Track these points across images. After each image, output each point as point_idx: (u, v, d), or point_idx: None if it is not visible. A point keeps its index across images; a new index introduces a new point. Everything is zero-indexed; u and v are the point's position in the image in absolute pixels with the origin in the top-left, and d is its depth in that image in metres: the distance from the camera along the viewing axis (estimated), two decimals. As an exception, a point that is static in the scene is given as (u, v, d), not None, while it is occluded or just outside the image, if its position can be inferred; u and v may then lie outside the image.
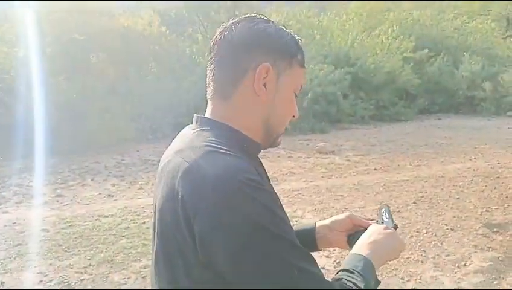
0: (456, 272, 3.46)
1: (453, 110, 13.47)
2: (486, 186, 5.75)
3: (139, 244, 3.94)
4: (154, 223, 0.85)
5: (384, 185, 5.83)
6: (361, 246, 0.91)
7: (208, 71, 0.88)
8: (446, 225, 4.41)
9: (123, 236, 4.17)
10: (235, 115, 0.85)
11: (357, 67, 11.93)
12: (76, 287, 3.26)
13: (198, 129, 0.85)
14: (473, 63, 13.76)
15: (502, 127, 10.71)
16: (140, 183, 6.04)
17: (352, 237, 1.04)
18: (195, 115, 0.90)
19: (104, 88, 8.92)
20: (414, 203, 5.09)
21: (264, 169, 0.93)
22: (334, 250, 3.71)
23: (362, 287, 0.79)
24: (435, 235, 4.16)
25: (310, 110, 10.26)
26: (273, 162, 7.12)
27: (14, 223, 4.59)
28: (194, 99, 8.49)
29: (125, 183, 6.08)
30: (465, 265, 3.58)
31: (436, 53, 14.17)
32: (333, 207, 4.96)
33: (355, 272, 0.81)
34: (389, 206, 1.09)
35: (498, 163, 6.97)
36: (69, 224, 4.51)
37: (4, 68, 8.40)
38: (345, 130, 10.51)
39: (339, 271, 0.84)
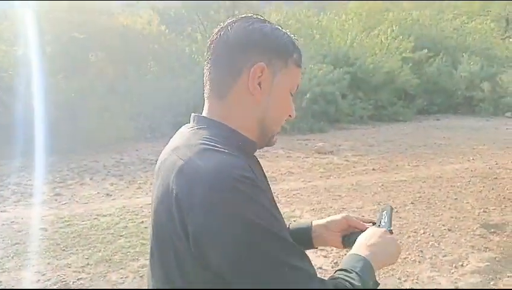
0: (453, 273, 3.47)
1: (451, 110, 13.49)
2: (484, 187, 5.76)
3: (137, 244, 3.94)
4: (152, 222, 0.86)
5: (382, 185, 5.84)
6: (361, 247, 0.91)
7: (205, 70, 0.89)
8: (443, 225, 4.42)
9: (121, 235, 4.17)
10: (231, 114, 0.86)
11: (356, 67, 11.94)
12: (74, 287, 3.26)
13: (195, 128, 0.86)
14: (471, 63, 13.78)
15: (500, 128, 10.73)
16: (139, 182, 6.05)
17: (347, 238, 1.05)
18: (192, 113, 0.91)
19: (103, 87, 8.92)
20: (412, 203, 5.10)
21: (261, 168, 0.94)
22: (332, 250, 3.72)
23: (360, 287, 0.79)
24: (433, 235, 4.17)
25: (308, 110, 10.27)
26: (271, 161, 7.13)
27: (12, 222, 4.59)
28: (193, 98, 8.49)
29: (124, 182, 6.09)
30: (462, 265, 3.59)
31: (435, 53, 14.18)
32: (331, 207, 4.97)
33: (353, 272, 0.82)
34: (392, 208, 1.08)
35: (496, 164, 6.98)
36: (67, 223, 4.51)
37: (3, 67, 8.40)
38: (343, 130, 10.52)
39: (337, 270, 0.84)
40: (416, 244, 3.97)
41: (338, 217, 1.07)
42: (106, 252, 3.80)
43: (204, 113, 0.89)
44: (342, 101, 11.12)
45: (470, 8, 18.22)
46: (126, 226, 4.39)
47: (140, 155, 7.60)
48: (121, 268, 3.52)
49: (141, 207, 4.92)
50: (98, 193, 5.62)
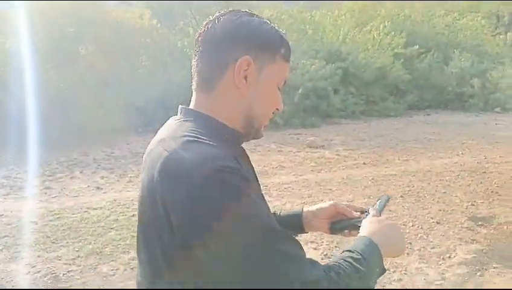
0: (440, 264, 3.53)
1: (442, 106, 13.58)
2: (472, 180, 5.84)
3: (128, 236, 3.94)
4: (138, 212, 0.87)
5: (372, 179, 5.89)
6: (372, 232, 0.91)
7: (193, 63, 0.90)
8: (432, 218, 4.48)
9: (112, 228, 4.17)
10: (217, 106, 0.86)
11: (348, 63, 11.96)
12: (65, 279, 3.26)
13: (182, 120, 0.87)
14: (462, 59, 13.87)
15: (489, 123, 10.85)
16: (129, 176, 6.03)
17: (334, 225, 1.07)
18: (180, 105, 0.92)
19: (94, 81, 8.85)
20: (401, 197, 5.15)
21: (249, 159, 0.94)
22: (322, 242, 3.75)
23: (365, 272, 0.81)
24: (421, 228, 4.22)
25: (300, 105, 10.28)
26: (263, 156, 7.15)
27: (1, 215, 4.56)
28: (184, 92, 8.37)
29: (115, 175, 6.07)
30: (449, 257, 3.65)
31: (426, 49, 14.25)
32: (322, 200, 4.98)
33: (360, 256, 0.82)
34: (389, 197, 1.12)
35: (485, 158, 7.07)
36: (57, 216, 4.49)
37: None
38: (335, 124, 10.57)
39: (344, 251, 0.85)
40: (405, 236, 4.01)
41: (326, 204, 1.09)
42: (97, 245, 3.80)
43: (191, 106, 0.89)
44: (334, 96, 11.15)
45: (459, 8, 18.27)
46: (117, 219, 4.39)
47: (132, 149, 7.57)
48: (112, 260, 3.52)
49: (132, 200, 4.91)
50: (89, 186, 5.59)
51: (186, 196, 0.71)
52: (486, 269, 3.45)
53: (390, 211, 4.62)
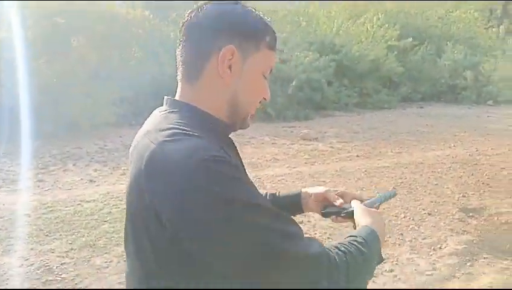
0: (431, 255, 3.58)
1: (435, 98, 13.65)
2: (464, 172, 5.90)
3: (121, 229, 3.91)
4: (126, 204, 0.86)
5: (365, 171, 5.93)
6: (371, 222, 0.95)
7: (177, 52, 0.89)
8: (424, 209, 4.53)
9: (105, 221, 4.17)
10: (202, 97, 0.85)
11: (341, 55, 11.96)
12: (58, 271, 3.26)
13: (167, 111, 0.86)
14: (455, 52, 13.92)
15: (482, 116, 10.94)
16: (122, 168, 6.01)
17: (325, 209, 1.11)
18: (165, 96, 0.91)
19: (85, 72, 8.76)
20: (394, 188, 5.19)
21: (237, 151, 0.93)
22: (315, 233, 3.79)
23: (368, 254, 0.84)
24: (413, 219, 4.27)
25: (294, 97, 10.28)
26: (257, 148, 7.16)
27: (-6, 208, 4.53)
28: (177, 84, 8.41)
29: (108, 168, 6.05)
30: (440, 248, 3.70)
31: (420, 42, 14.29)
32: (315, 192, 5.04)
33: (364, 241, 0.86)
34: (394, 193, 1.20)
35: (476, 150, 7.14)
36: (51, 209, 4.47)
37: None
38: (328, 117, 10.59)
39: (348, 236, 0.88)
40: (396, 227, 4.06)
41: (321, 189, 1.12)
42: (90, 237, 3.80)
43: (177, 96, 0.89)
44: (328, 88, 11.15)
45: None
46: (110, 212, 4.39)
47: (124, 141, 7.53)
48: (105, 253, 3.53)
49: (125, 193, 4.90)
50: (82, 179, 5.57)
51: (175, 189, 0.71)
52: (476, 260, 3.50)
53: (382, 202, 4.65)
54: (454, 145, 7.54)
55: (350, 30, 13.41)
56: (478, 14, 17.73)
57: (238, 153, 0.93)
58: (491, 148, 7.25)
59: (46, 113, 7.43)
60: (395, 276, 3.22)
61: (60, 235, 3.86)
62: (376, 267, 0.91)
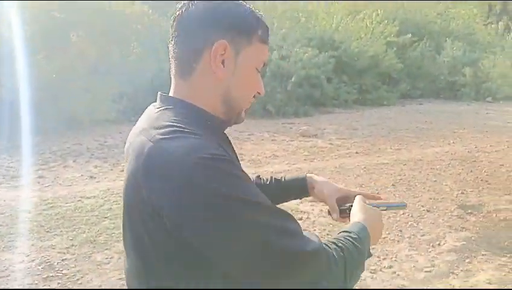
0: (430, 251, 3.60)
1: (434, 95, 13.67)
2: (462, 169, 5.92)
3: (121, 225, 3.95)
4: (123, 202, 0.85)
5: (364, 167, 5.95)
6: (364, 219, 0.99)
7: (170, 48, 0.88)
8: (422, 206, 4.56)
9: (106, 217, 4.18)
10: (196, 92, 0.85)
11: (341, 51, 11.94)
12: (59, 268, 3.28)
13: (162, 108, 0.85)
14: (454, 48, 13.93)
15: (481, 112, 10.96)
16: (122, 165, 5.96)
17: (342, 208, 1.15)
18: (159, 92, 0.90)
19: (84, 68, 8.74)
20: (393, 185, 5.22)
21: (232, 147, 0.93)
22: (314, 230, 3.80)
23: (362, 249, 0.87)
24: (412, 216, 4.29)
25: (293, 94, 10.28)
26: (256, 145, 7.17)
27: (-6, 204, 4.54)
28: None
29: (108, 165, 6.05)
30: (439, 244, 3.72)
31: (419, 38, 14.28)
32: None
33: (357, 236, 0.89)
34: (403, 205, 1.27)
35: (475, 147, 7.16)
36: (51, 205, 4.49)
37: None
38: (328, 113, 10.60)
39: (342, 231, 0.91)
40: (395, 224, 4.09)
41: (331, 186, 1.19)
42: (91, 234, 3.81)
43: (171, 93, 0.88)
44: (327, 85, 11.14)
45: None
46: (110, 208, 4.40)
47: (124, 138, 7.43)
48: (106, 249, 3.54)
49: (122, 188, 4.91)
50: (82, 175, 5.58)
51: (173, 186, 0.71)
52: (475, 256, 3.53)
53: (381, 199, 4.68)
54: (453, 142, 7.57)
55: (349, 26, 13.39)
56: (477, 10, 17.72)
57: (233, 148, 0.93)
58: (490, 145, 7.27)
59: (46, 109, 7.42)
60: (394, 272, 3.25)
61: (61, 231, 3.87)
62: (374, 264, 0.94)
